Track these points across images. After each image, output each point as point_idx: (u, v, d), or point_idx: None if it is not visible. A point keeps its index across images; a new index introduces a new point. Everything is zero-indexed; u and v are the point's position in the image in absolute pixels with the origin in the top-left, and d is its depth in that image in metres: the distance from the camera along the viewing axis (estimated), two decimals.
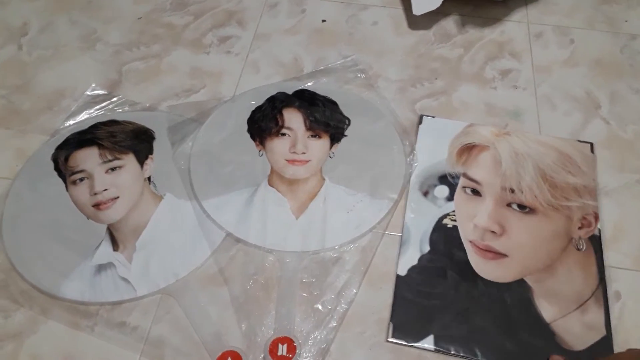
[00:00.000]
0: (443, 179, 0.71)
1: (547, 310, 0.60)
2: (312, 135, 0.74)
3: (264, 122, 0.76)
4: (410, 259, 0.64)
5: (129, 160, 0.72)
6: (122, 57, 0.86)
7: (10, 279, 0.63)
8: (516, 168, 0.68)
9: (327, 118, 0.76)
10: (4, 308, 0.61)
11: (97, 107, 0.79)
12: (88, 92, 0.81)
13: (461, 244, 0.65)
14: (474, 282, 0.62)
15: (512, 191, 0.66)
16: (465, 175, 0.70)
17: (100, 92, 0.81)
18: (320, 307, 0.61)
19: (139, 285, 0.63)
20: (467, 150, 0.71)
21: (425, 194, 0.70)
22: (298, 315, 0.60)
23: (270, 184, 0.70)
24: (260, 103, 0.79)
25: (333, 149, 0.74)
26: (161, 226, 0.67)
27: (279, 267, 0.64)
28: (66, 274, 0.63)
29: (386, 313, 0.61)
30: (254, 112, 0.78)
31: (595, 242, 0.65)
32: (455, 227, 0.66)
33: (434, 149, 0.74)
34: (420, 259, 0.64)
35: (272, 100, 0.79)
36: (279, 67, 0.85)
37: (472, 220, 0.65)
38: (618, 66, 0.86)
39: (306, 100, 0.78)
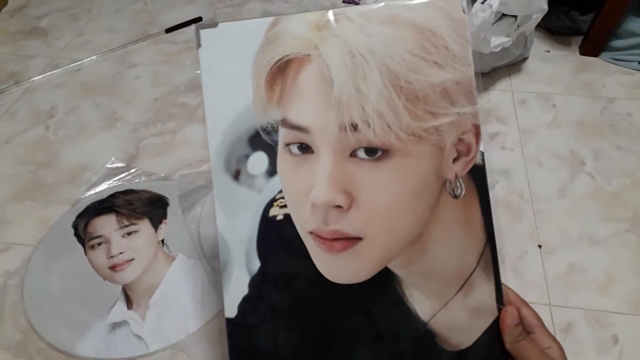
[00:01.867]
0: (256, 141, 0.44)
1: (422, 304, 0.44)
2: None
3: None
4: (237, 289, 0.44)
5: (144, 225, 0.77)
6: (140, 134, 0.94)
7: (29, 339, 0.66)
8: (355, 82, 0.39)
9: None
10: None
11: (116, 178, 0.86)
12: (108, 165, 0.88)
13: (300, 241, 0.43)
14: (325, 295, 0.44)
15: (355, 127, 0.39)
16: (285, 122, 0.42)
17: (119, 164, 0.88)
18: None
19: (151, 341, 0.66)
20: (281, 73, 0.41)
21: (237, 175, 0.45)
22: None
23: None
24: None
25: None
26: (173, 285, 0.71)
27: None
28: (82, 333, 0.66)
29: None
30: None
31: (479, 177, 0.42)
32: (288, 218, 0.43)
33: (230, 88, 0.44)
34: (252, 285, 0.45)
35: None
36: None
37: (308, 198, 0.42)
38: (599, 126, 0.92)
39: None
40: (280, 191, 0.44)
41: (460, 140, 0.41)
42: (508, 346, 0.42)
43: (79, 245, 0.76)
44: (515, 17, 0.92)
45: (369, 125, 0.39)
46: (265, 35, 0.42)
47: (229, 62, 0.44)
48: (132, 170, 0.87)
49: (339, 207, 0.41)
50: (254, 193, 0.44)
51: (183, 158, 0.89)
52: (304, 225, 0.42)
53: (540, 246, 0.74)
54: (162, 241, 0.76)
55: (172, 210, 0.80)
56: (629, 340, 0.64)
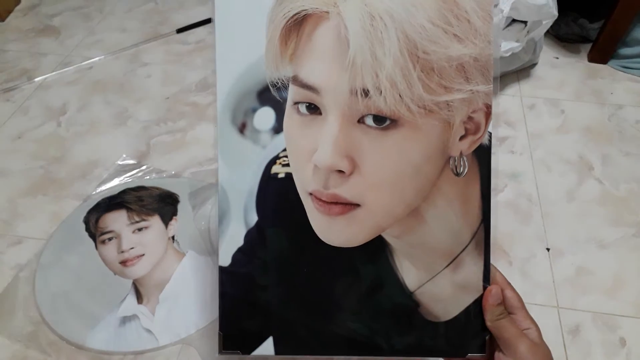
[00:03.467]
0: (265, 96, 0.43)
1: (410, 274, 0.45)
2: None
3: None
4: (233, 239, 0.45)
5: (155, 221, 0.78)
6: (151, 132, 0.95)
7: (40, 331, 0.67)
8: (371, 47, 0.37)
9: None
10: (33, 358, 0.64)
11: (127, 174, 0.86)
12: (119, 162, 0.88)
13: (299, 201, 0.43)
14: (318, 255, 0.45)
15: (366, 93, 0.38)
16: (295, 79, 0.40)
17: (130, 161, 0.89)
18: None
19: (161, 335, 0.66)
20: (296, 28, 0.40)
21: (242, 128, 0.45)
22: None
23: None
24: None
25: None
26: (183, 280, 0.72)
27: None
28: (92, 326, 0.67)
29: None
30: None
31: (483, 158, 0.42)
32: (289, 177, 0.43)
33: (243, 39, 0.43)
34: (247, 237, 0.45)
35: None
36: None
37: (311, 159, 0.41)
38: (607, 133, 0.92)
39: None
40: (284, 149, 0.43)
41: (470, 118, 0.40)
42: (488, 323, 0.43)
43: (90, 240, 0.76)
44: (525, 22, 0.93)
45: (381, 92, 0.37)
46: None
47: (244, 11, 0.43)
48: (143, 167, 0.88)
49: (340, 171, 0.40)
50: (258, 148, 0.44)
51: (193, 156, 0.90)
52: (304, 185, 0.42)
53: (548, 249, 0.74)
54: (173, 237, 0.77)
55: (183, 207, 0.81)
56: (637, 342, 0.64)
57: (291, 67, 0.40)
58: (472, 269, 0.43)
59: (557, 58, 1.11)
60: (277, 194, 0.44)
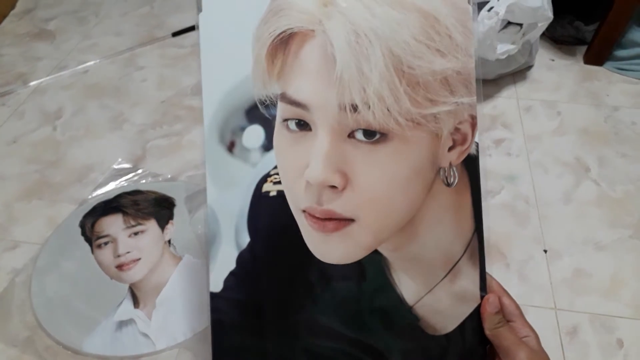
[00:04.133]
0: (253, 114, 0.43)
1: (408, 288, 0.44)
2: None
3: None
4: (224, 263, 0.44)
5: (151, 225, 0.78)
6: (147, 135, 0.95)
7: (37, 336, 0.66)
8: (357, 63, 0.38)
9: None
10: None
11: (123, 178, 0.86)
12: (115, 166, 0.88)
13: (293, 219, 0.42)
14: (315, 274, 0.44)
15: (355, 108, 0.38)
16: (284, 97, 0.40)
17: (126, 165, 0.88)
18: None
19: (158, 339, 0.66)
20: (283, 46, 0.40)
21: (231, 147, 0.44)
22: None
23: None
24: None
25: None
26: (180, 284, 0.71)
27: None
28: (89, 331, 0.66)
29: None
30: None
31: (471, 167, 0.43)
32: (281, 195, 0.42)
33: (229, 57, 0.43)
34: (239, 260, 0.44)
35: None
36: None
37: (302, 176, 0.41)
38: (603, 134, 0.93)
39: None
40: (275, 167, 0.42)
41: (457, 129, 0.41)
42: (487, 332, 0.43)
43: (86, 244, 0.76)
44: (521, 25, 0.93)
45: (369, 107, 0.38)
46: (269, 6, 0.40)
47: (229, 30, 0.42)
48: (139, 171, 0.87)
49: (333, 187, 0.40)
50: (248, 167, 0.43)
51: (190, 160, 0.90)
52: (297, 203, 0.42)
53: (545, 251, 0.74)
54: (169, 241, 0.76)
55: (179, 211, 0.81)
56: (634, 344, 0.64)
57: (279, 85, 0.40)
58: (468, 279, 0.44)
59: (553, 60, 1.11)
60: (269, 213, 0.43)
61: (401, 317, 0.44)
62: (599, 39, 1.06)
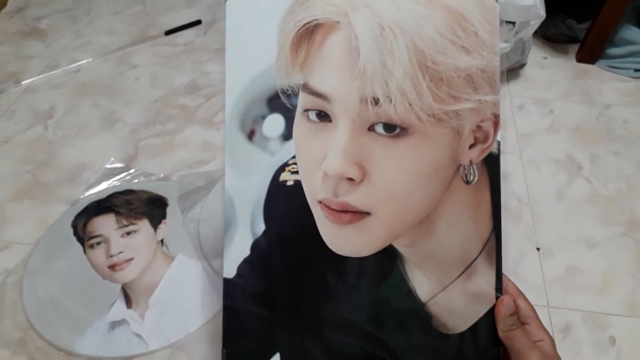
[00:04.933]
0: (274, 103, 0.43)
1: (422, 285, 0.43)
2: None
3: None
4: (239, 249, 0.44)
5: (144, 225, 0.77)
6: (139, 135, 0.94)
7: (28, 337, 0.66)
8: (381, 56, 0.37)
9: None
10: None
11: (115, 178, 0.85)
12: (107, 165, 0.88)
13: (308, 209, 0.42)
14: (327, 265, 0.43)
15: (376, 102, 0.38)
16: (306, 87, 0.41)
17: (118, 165, 0.88)
18: None
19: (150, 340, 0.65)
20: (307, 36, 0.40)
21: (251, 135, 0.44)
22: None
23: None
24: None
25: None
26: (173, 284, 0.71)
27: None
28: (81, 331, 0.66)
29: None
30: None
31: (492, 166, 0.43)
32: (298, 185, 0.42)
33: (253, 45, 0.43)
34: (254, 247, 0.44)
35: None
36: None
37: (320, 167, 0.41)
38: (596, 132, 0.93)
39: None
40: (294, 156, 0.43)
41: (479, 127, 0.40)
42: (501, 334, 0.42)
43: (78, 245, 0.75)
44: (514, 23, 0.93)
45: (391, 101, 0.38)
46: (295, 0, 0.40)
47: (256, 18, 0.43)
48: (132, 171, 0.87)
49: (350, 179, 0.40)
50: (267, 155, 0.44)
51: (182, 159, 0.89)
52: (313, 193, 0.42)
53: (538, 249, 0.75)
54: (162, 241, 0.76)
55: (172, 210, 0.80)
56: (626, 341, 0.65)
57: (301, 75, 0.41)
58: (484, 279, 0.43)
59: (546, 58, 1.11)
60: (285, 202, 0.43)
61: (414, 313, 0.43)
62: (591, 37, 1.06)
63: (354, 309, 0.44)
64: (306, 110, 0.41)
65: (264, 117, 0.44)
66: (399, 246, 0.43)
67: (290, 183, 0.43)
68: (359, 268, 0.43)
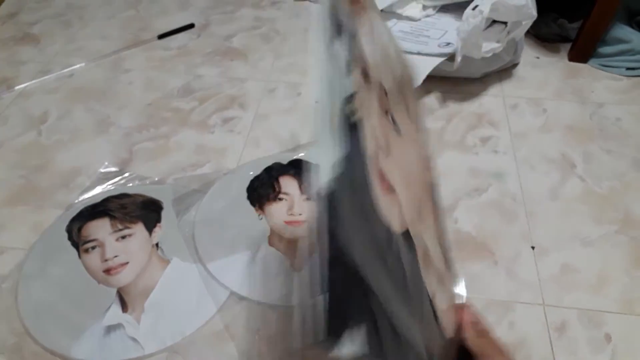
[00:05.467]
0: (340, 29, 0.36)
1: (427, 279, 0.37)
2: (307, 199, 0.79)
3: (262, 189, 0.82)
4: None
5: (139, 228, 0.77)
6: (133, 138, 0.94)
7: (24, 343, 0.65)
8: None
9: None
10: None
11: (109, 182, 0.85)
12: (101, 170, 0.87)
13: (365, 163, 0.33)
14: (379, 230, 0.34)
15: (385, 93, 0.35)
16: (354, 38, 0.36)
17: (113, 169, 0.88)
18: None
19: (146, 343, 0.65)
20: None
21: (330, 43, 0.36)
22: None
23: (270, 244, 0.75)
24: (258, 173, 0.85)
25: None
26: (168, 288, 0.71)
27: (283, 321, 0.67)
28: (77, 336, 0.66)
29: None
30: (252, 181, 0.84)
31: None
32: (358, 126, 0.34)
33: None
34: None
35: (269, 169, 0.85)
36: (277, 143, 0.92)
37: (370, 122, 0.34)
38: (589, 131, 0.93)
39: (300, 168, 0.84)
40: (354, 92, 0.35)
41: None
42: (469, 342, 0.38)
43: (73, 249, 0.75)
44: (506, 23, 0.94)
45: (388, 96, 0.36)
46: None
47: None
48: (126, 175, 0.87)
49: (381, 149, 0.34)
50: (338, 75, 0.34)
51: (176, 162, 0.89)
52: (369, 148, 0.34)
53: (533, 247, 0.75)
54: (157, 245, 0.76)
55: (166, 213, 0.80)
56: (622, 338, 0.65)
57: (350, 22, 0.36)
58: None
59: (538, 58, 1.12)
60: (354, 145, 0.34)
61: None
62: (583, 36, 1.07)
63: (390, 286, 0.34)
64: (356, 61, 0.35)
65: (334, 37, 0.36)
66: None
67: (352, 121, 0.34)
68: (395, 241, 0.35)
